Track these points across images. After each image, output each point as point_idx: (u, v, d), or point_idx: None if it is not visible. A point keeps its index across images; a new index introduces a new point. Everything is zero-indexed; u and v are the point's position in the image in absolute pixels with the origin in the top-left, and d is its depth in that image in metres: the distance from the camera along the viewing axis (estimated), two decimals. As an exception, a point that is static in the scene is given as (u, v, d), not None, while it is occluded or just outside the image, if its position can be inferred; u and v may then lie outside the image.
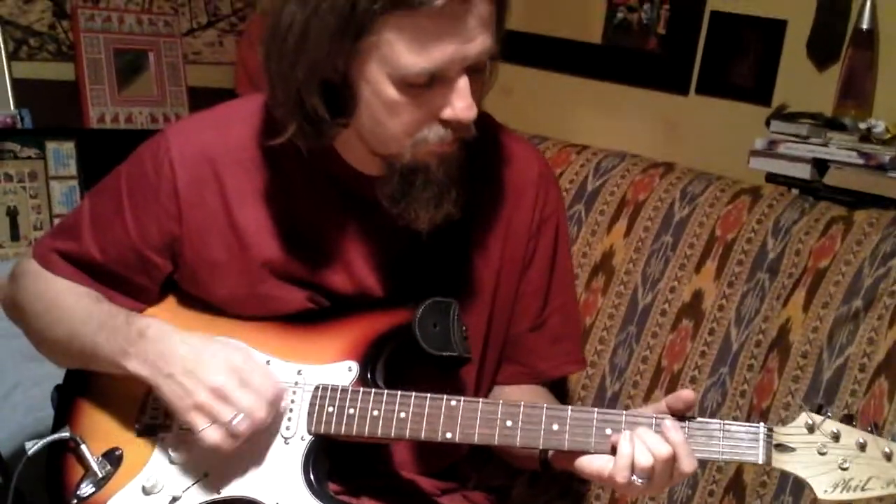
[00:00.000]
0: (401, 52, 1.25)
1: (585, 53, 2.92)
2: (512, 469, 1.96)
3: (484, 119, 1.48)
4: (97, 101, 3.04)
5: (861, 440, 1.20)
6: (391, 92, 1.28)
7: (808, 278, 1.86)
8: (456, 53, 1.26)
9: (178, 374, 1.36)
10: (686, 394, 1.28)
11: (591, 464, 1.29)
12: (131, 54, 3.13)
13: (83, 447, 1.46)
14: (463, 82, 1.28)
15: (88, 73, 3.01)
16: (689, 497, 1.87)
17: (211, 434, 1.34)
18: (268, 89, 1.36)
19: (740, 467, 1.83)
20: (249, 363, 1.38)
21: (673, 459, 1.25)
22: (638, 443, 1.25)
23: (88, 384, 1.53)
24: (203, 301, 1.50)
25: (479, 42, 1.27)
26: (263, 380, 1.36)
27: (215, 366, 1.35)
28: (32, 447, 1.45)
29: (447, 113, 1.30)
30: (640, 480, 1.25)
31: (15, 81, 2.87)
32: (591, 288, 2.06)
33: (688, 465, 1.25)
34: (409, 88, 1.28)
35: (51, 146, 2.86)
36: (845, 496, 1.19)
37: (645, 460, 1.24)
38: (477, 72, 1.31)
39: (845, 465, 1.19)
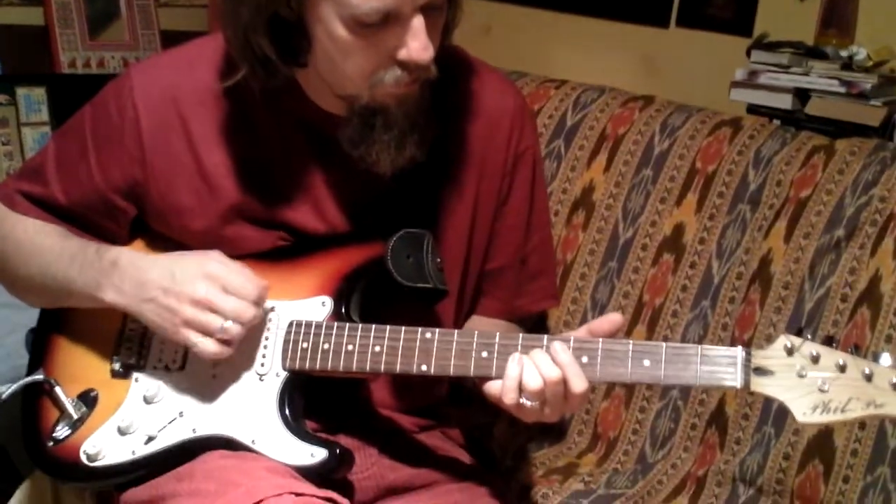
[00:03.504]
0: None
1: (564, -11, 2.89)
2: (493, 409, 1.95)
3: (455, 54, 1.46)
4: (68, 46, 3.00)
5: (841, 361, 1.16)
6: (343, 32, 1.25)
7: (789, 209, 1.85)
8: None
9: (159, 296, 1.34)
10: (613, 316, 1.27)
11: (491, 388, 1.28)
12: (102, -1, 3.09)
13: (57, 389, 1.45)
14: (417, 21, 1.25)
15: (57, 18, 2.97)
16: (672, 430, 1.87)
17: (207, 346, 1.32)
18: (221, 29, 1.34)
19: (723, 399, 1.82)
20: (226, 267, 1.35)
21: (563, 382, 1.23)
22: (528, 364, 1.24)
23: (62, 326, 1.52)
24: (174, 241, 1.48)
25: None
26: (244, 281, 1.34)
27: (191, 278, 1.33)
28: (6, 391, 1.45)
29: (402, 54, 1.26)
30: (529, 403, 1.24)
31: (-18, 28, 2.83)
32: (572, 224, 2.04)
33: (577, 385, 1.23)
34: (362, 29, 1.25)
35: (21, 92, 2.85)
36: (824, 418, 1.16)
37: (534, 382, 1.23)
38: (434, 10, 1.27)
39: (825, 388, 1.16)
